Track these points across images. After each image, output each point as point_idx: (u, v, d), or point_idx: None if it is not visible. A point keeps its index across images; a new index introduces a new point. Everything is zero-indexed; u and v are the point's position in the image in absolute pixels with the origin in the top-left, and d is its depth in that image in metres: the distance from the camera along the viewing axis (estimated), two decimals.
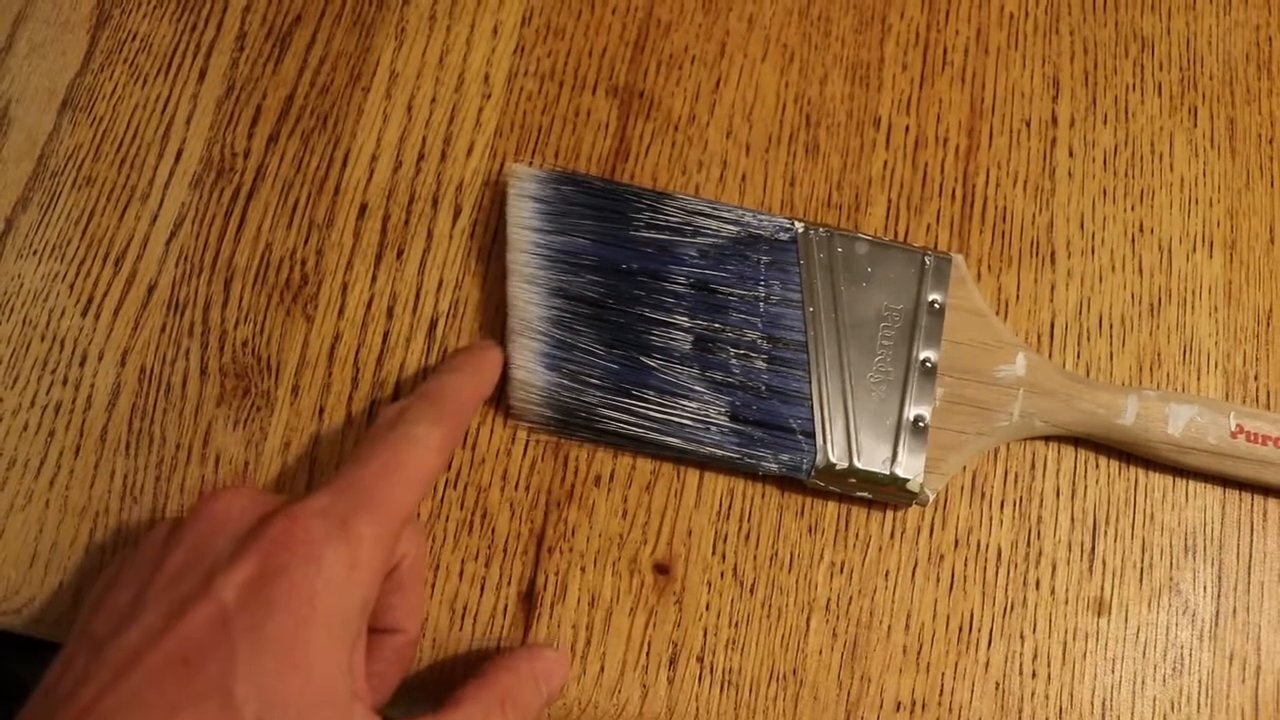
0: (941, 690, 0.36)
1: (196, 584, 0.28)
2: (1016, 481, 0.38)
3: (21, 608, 0.35)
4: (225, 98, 0.40)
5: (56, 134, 0.39)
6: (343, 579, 0.28)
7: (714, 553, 0.37)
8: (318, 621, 0.27)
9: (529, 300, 0.36)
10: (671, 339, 0.36)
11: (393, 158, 0.40)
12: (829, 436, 0.36)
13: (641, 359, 0.36)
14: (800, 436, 0.36)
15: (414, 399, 0.34)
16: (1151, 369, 0.40)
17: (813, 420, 0.36)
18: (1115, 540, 0.38)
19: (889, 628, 0.37)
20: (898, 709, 0.36)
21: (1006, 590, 0.37)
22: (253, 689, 0.26)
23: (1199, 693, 0.37)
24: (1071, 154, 0.42)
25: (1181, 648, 0.37)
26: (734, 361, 0.36)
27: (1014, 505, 0.38)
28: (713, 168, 0.40)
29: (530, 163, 0.40)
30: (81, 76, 0.40)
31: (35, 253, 0.38)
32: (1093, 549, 0.38)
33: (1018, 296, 0.40)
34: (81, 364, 0.37)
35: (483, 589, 0.36)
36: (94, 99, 0.40)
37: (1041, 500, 0.38)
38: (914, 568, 0.37)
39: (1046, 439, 0.38)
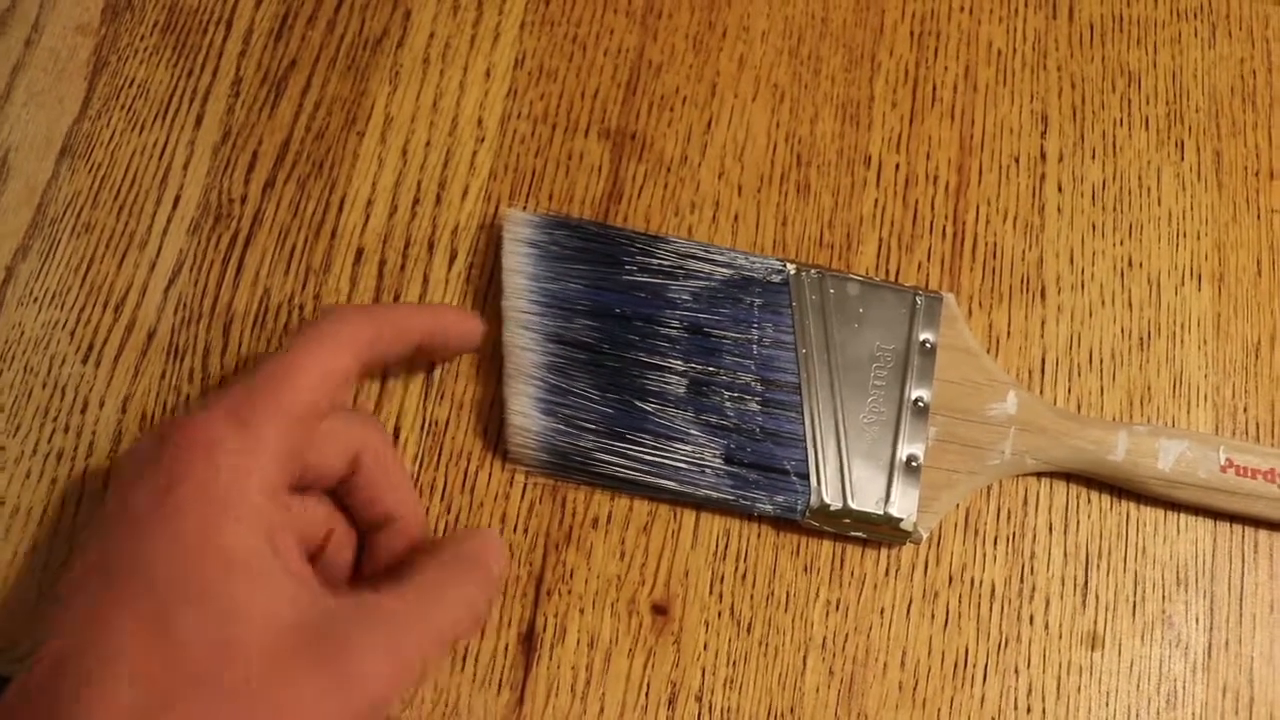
0: None
1: (118, 506, 0.30)
2: (1009, 518, 0.39)
3: (25, 655, 0.35)
4: (222, 143, 0.41)
5: (55, 181, 0.40)
6: (242, 467, 0.29)
7: (711, 593, 0.37)
8: (227, 512, 0.29)
9: (524, 346, 0.37)
10: (666, 383, 0.37)
11: (388, 202, 0.40)
12: (823, 477, 0.36)
13: (636, 403, 0.36)
14: (794, 478, 0.36)
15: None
16: (1142, 403, 0.40)
17: (806, 461, 0.36)
18: (1108, 574, 0.38)
19: (885, 665, 0.37)
20: None
21: (1001, 626, 0.38)
22: (172, 583, 0.28)
23: None
24: (1060, 189, 0.42)
25: (1175, 680, 0.38)
26: (728, 404, 0.37)
27: (1007, 541, 0.38)
28: (705, 208, 0.41)
29: (524, 207, 0.40)
30: (79, 123, 0.41)
31: (36, 300, 0.39)
32: (1086, 583, 0.38)
33: (1009, 333, 0.40)
34: (83, 411, 0.38)
35: (483, 631, 0.36)
36: (92, 146, 0.40)
37: (1034, 536, 0.38)
38: (909, 605, 0.37)
39: (1039, 475, 0.39)
